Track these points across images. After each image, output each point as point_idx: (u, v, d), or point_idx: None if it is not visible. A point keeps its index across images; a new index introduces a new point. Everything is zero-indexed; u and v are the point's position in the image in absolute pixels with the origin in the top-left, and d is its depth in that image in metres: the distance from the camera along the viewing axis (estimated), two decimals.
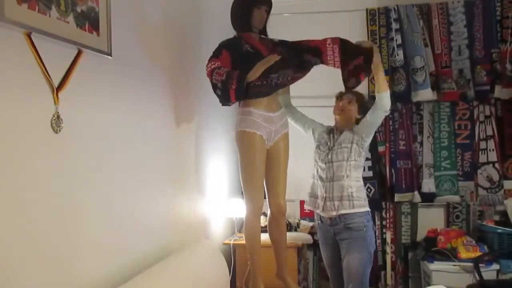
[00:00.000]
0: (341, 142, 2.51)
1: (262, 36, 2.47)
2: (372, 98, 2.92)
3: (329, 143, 2.55)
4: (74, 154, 1.55)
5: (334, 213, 2.44)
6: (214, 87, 2.23)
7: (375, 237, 2.59)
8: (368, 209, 2.48)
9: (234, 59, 2.29)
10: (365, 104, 2.61)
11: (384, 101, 2.41)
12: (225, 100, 2.27)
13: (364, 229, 2.43)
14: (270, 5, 2.41)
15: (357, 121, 2.57)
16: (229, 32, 2.47)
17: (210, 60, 2.29)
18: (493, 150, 3.41)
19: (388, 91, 2.43)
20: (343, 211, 2.42)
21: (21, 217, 1.32)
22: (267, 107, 2.35)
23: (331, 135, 2.59)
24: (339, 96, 2.61)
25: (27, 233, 1.34)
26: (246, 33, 2.40)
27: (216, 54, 2.30)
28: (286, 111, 2.59)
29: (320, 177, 2.53)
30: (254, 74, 2.20)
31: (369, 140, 2.54)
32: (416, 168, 3.54)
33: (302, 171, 2.80)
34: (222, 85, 2.20)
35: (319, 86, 2.88)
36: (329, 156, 2.51)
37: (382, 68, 2.41)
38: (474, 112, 3.47)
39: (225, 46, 2.33)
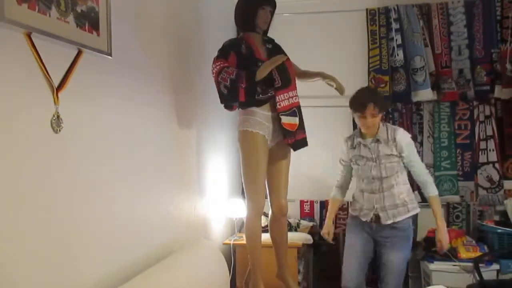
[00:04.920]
0: (384, 153, 2.45)
1: (268, 41, 2.44)
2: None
3: (372, 155, 2.47)
4: (74, 154, 1.55)
5: (390, 221, 2.45)
6: (221, 85, 2.22)
7: None
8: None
9: (238, 61, 2.29)
10: (384, 103, 2.54)
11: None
12: (230, 99, 2.26)
13: (409, 229, 2.51)
14: (274, 6, 2.41)
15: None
16: (230, 32, 2.47)
17: (217, 60, 2.28)
18: (493, 150, 3.41)
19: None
20: (399, 218, 2.45)
21: (21, 217, 1.32)
22: (270, 107, 2.35)
23: (368, 145, 2.48)
24: (360, 111, 2.40)
25: (27, 233, 1.33)
26: (248, 34, 2.40)
27: (224, 55, 2.29)
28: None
29: (363, 190, 2.53)
30: (262, 73, 2.20)
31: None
32: None
33: (303, 171, 2.79)
34: (231, 84, 2.19)
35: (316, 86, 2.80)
36: (376, 170, 2.46)
37: None
38: (474, 112, 3.46)
39: (231, 48, 2.32)
